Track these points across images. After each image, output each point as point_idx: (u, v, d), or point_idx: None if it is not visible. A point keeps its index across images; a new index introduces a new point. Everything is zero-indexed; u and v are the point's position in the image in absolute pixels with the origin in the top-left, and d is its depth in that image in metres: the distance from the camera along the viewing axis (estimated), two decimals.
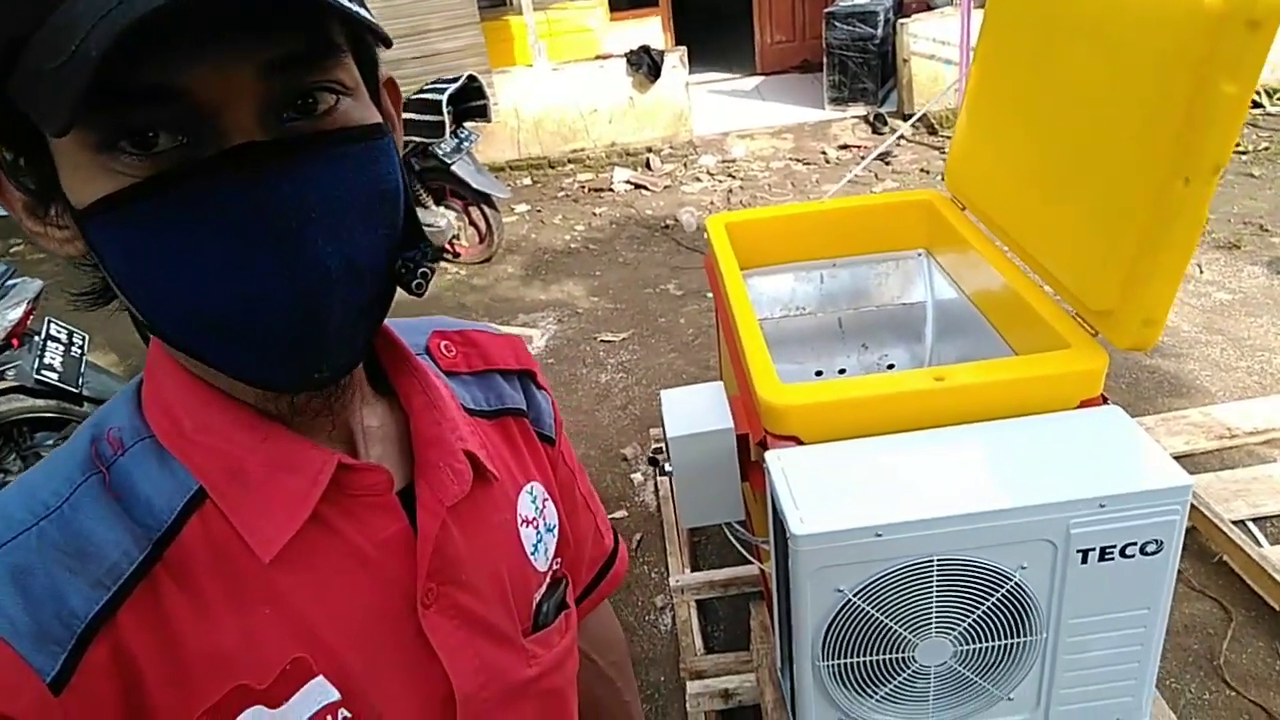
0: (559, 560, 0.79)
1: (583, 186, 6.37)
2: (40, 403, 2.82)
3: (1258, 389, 3.26)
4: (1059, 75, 1.82)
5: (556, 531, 0.79)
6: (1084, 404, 1.61)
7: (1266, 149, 5.57)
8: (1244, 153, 5.47)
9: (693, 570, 2.61)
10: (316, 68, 0.53)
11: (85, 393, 2.86)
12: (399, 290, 0.62)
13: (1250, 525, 2.54)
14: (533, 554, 0.75)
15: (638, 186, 6.24)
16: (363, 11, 0.52)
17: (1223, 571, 2.43)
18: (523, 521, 0.74)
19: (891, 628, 1.44)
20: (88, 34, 0.44)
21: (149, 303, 0.53)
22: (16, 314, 2.74)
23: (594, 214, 5.85)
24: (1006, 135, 2.06)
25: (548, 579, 0.77)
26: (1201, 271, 4.15)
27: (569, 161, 6.80)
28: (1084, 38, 1.73)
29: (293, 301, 0.52)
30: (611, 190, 6.23)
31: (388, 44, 0.55)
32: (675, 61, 6.67)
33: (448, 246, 5.09)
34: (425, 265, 0.62)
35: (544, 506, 0.78)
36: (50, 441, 2.99)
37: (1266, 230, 4.56)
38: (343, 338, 0.56)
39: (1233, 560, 2.42)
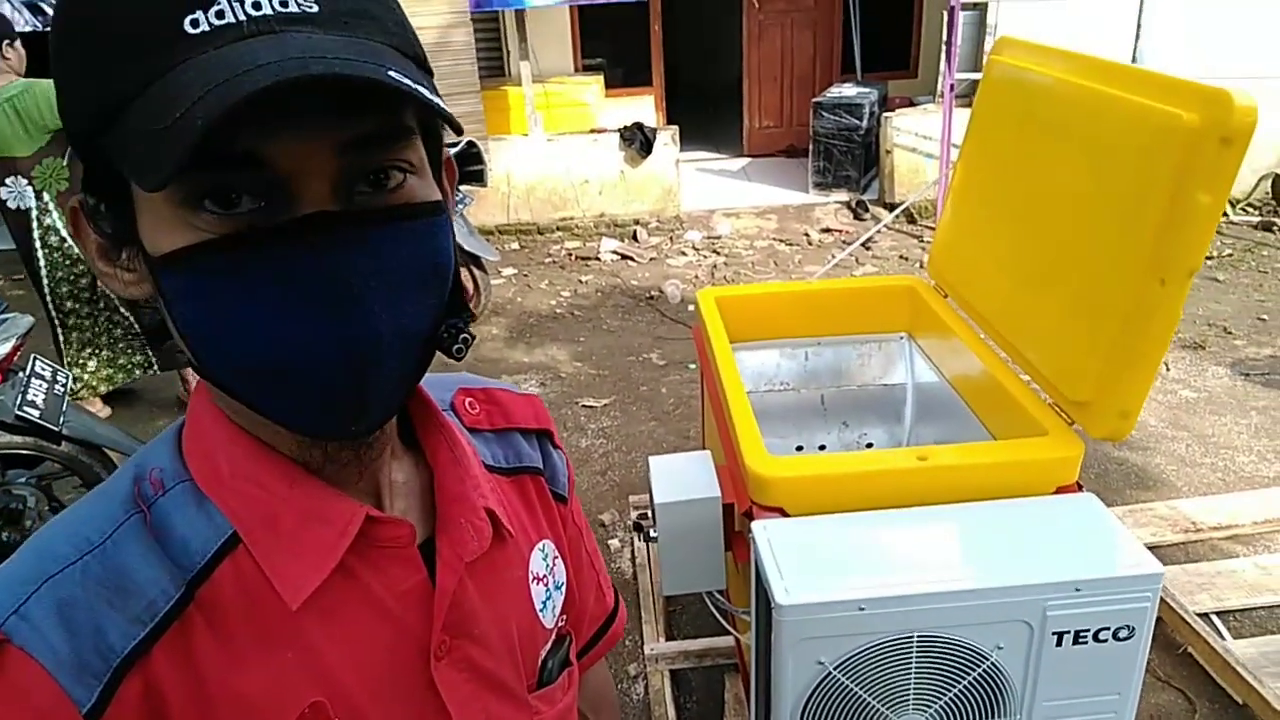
0: (564, 617, 0.81)
1: (570, 254, 6.47)
2: (17, 439, 2.80)
3: (1221, 485, 3.34)
4: (1042, 173, 1.92)
5: (564, 589, 0.81)
6: (1060, 490, 1.66)
7: (1230, 255, 5.78)
8: (1210, 258, 5.68)
9: (667, 639, 2.60)
10: (389, 148, 0.56)
11: (65, 432, 2.83)
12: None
13: (1214, 619, 2.58)
14: (541, 611, 0.77)
15: (624, 257, 6.34)
16: (437, 100, 0.54)
17: (1187, 663, 2.46)
18: (534, 578, 0.76)
19: (870, 703, 1.46)
20: (194, 103, 0.47)
21: (210, 348, 0.56)
22: (4, 349, 2.73)
23: (580, 281, 5.93)
24: (989, 228, 2.15)
25: (553, 636, 0.79)
26: (1169, 369, 4.28)
27: (558, 229, 6.90)
28: (1067, 140, 1.83)
29: (345, 361, 0.55)
30: (598, 259, 6.33)
31: (458, 131, 0.57)
32: (667, 139, 6.85)
33: None
34: (466, 332, 0.65)
35: (554, 564, 0.80)
36: (23, 479, 2.95)
37: (1230, 333, 4.71)
38: (383, 396, 0.59)
39: (1197, 652, 2.45)
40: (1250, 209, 6.56)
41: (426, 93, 0.53)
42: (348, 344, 0.54)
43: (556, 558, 0.81)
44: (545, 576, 0.78)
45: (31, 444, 2.84)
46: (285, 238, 0.53)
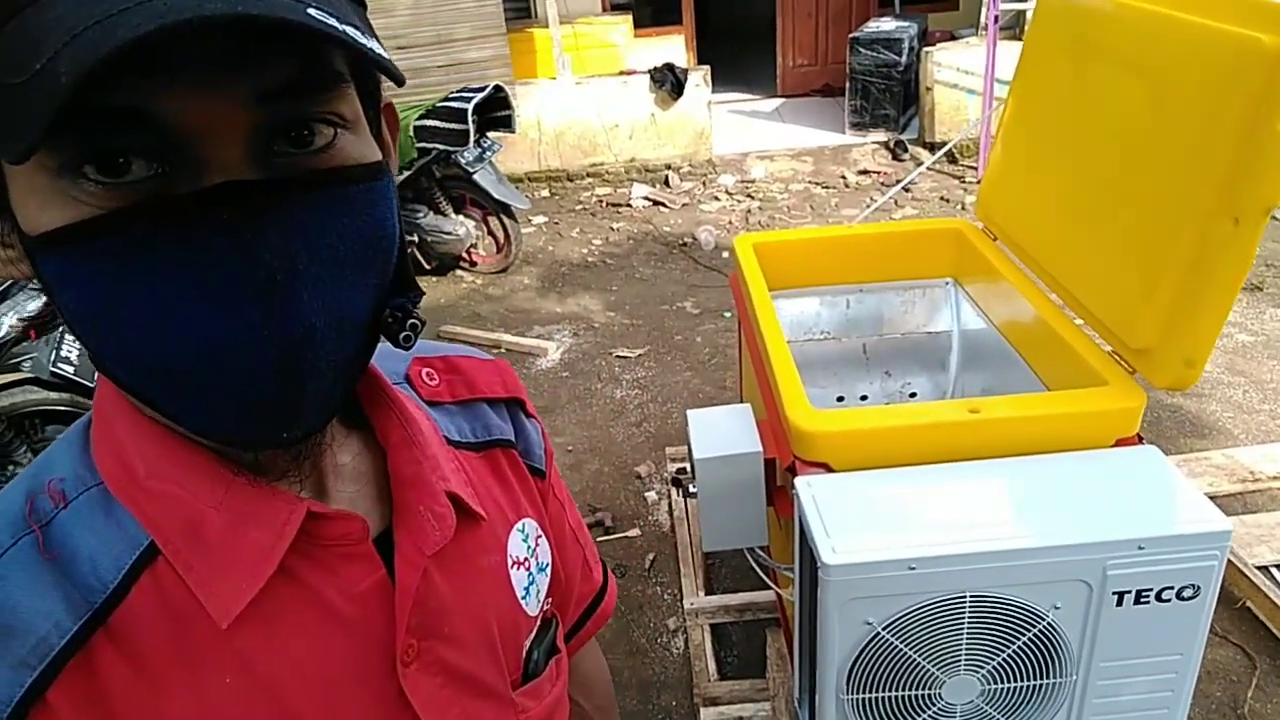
0: (550, 601, 0.75)
1: (601, 201, 6.37)
2: (54, 395, 2.81)
3: None
4: (1100, 106, 1.80)
5: (549, 571, 0.74)
6: (1120, 442, 1.59)
7: None
8: None
9: (707, 594, 2.58)
10: (314, 98, 0.48)
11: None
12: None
13: (1274, 571, 2.50)
14: (524, 598, 0.69)
15: (656, 203, 6.23)
16: (370, 44, 0.46)
17: (1246, 618, 2.39)
18: (513, 563, 0.69)
19: (920, 663, 1.41)
20: (58, 51, 0.39)
21: (101, 345, 0.48)
22: (36, 305, 2.73)
23: (612, 229, 5.84)
24: (1043, 166, 2.05)
25: (538, 622, 0.72)
26: None
27: (588, 175, 6.80)
28: (1127, 70, 1.71)
29: (270, 361, 0.47)
30: (630, 206, 6.23)
31: (399, 82, 0.49)
32: (699, 80, 6.68)
33: (465, 255, 5.08)
34: (415, 316, 0.57)
35: (536, 545, 0.72)
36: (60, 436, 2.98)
37: None
38: (319, 397, 0.51)
39: (1257, 607, 2.38)
40: None
41: (357, 35, 0.45)
42: (273, 339, 0.46)
43: (540, 537, 0.73)
44: (526, 559, 0.71)
45: (68, 400, 2.85)
46: (188, 213, 0.44)
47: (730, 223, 5.76)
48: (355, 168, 0.50)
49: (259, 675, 0.53)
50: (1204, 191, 1.46)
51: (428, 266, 5.05)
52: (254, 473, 0.55)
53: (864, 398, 2.54)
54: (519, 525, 0.71)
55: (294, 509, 0.54)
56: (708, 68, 6.81)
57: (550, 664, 0.72)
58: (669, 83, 6.58)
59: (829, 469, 1.57)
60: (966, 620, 1.38)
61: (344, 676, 0.56)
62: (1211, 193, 1.45)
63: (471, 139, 4.46)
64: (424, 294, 0.60)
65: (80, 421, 0.58)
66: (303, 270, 0.46)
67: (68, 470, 0.54)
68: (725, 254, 5.21)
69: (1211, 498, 2.76)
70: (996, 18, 5.75)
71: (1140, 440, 1.60)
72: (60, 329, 2.80)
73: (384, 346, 0.63)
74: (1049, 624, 1.39)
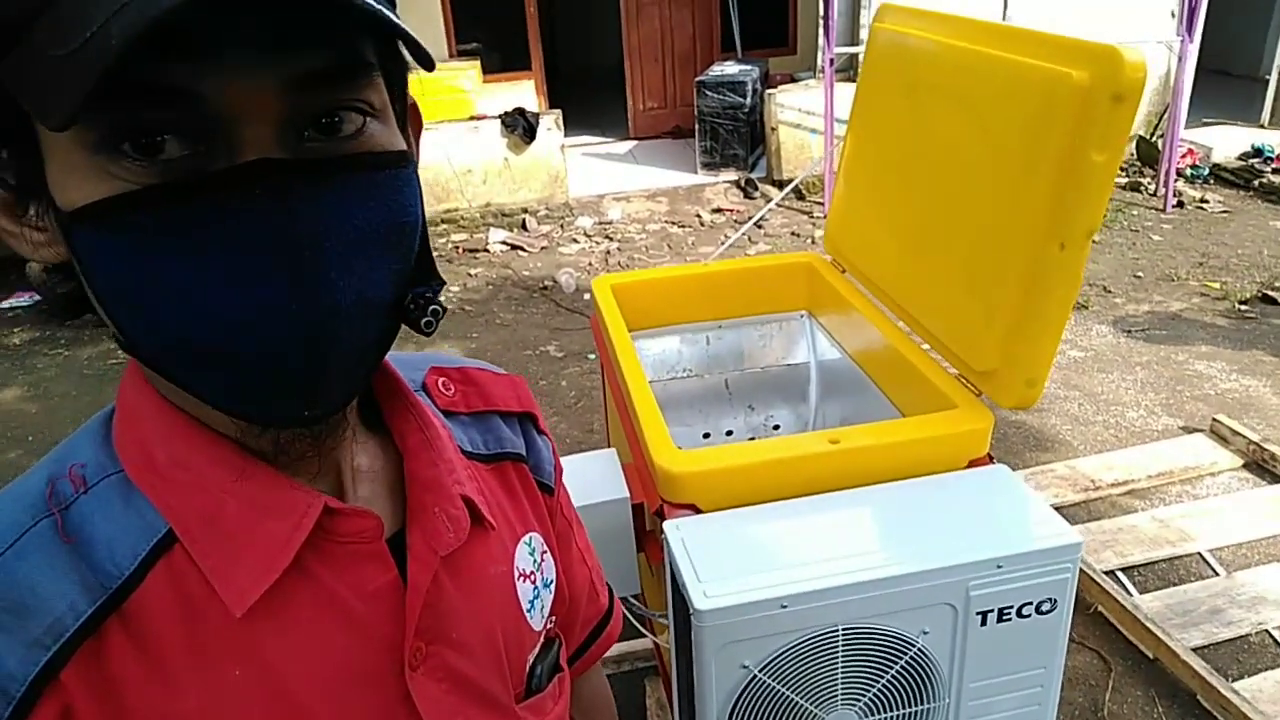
0: (554, 619, 0.74)
1: (457, 247, 6.26)
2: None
3: (1114, 441, 3.43)
4: (931, 142, 1.88)
5: (553, 588, 0.74)
6: (972, 463, 1.63)
7: (1105, 216, 6.00)
8: None
9: None
10: (345, 86, 0.49)
11: None
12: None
13: (1120, 575, 2.64)
14: (529, 611, 0.69)
15: (514, 247, 6.18)
16: (404, 25, 0.48)
17: (1098, 622, 2.50)
18: (520, 575, 0.69)
19: (798, 703, 1.39)
20: (107, 21, 0.40)
21: (133, 320, 0.48)
22: None
23: (469, 274, 5.75)
24: (883, 199, 2.12)
25: (541, 639, 0.72)
26: None
27: (443, 221, 6.68)
28: (956, 105, 1.79)
29: (298, 335, 0.48)
30: (487, 251, 6.15)
31: (429, 66, 0.50)
32: (550, 124, 6.70)
33: None
34: (437, 303, 0.58)
35: (542, 560, 0.72)
36: None
37: (1109, 291, 4.89)
38: (342, 375, 0.52)
39: (1107, 611, 2.50)
40: (1119, 171, 6.83)
41: (392, 16, 0.47)
42: (302, 315, 0.47)
43: (545, 552, 0.73)
44: (532, 573, 0.71)
45: None
46: (224, 188, 0.45)
47: (590, 264, 5.77)
48: (383, 154, 0.52)
49: (268, 669, 0.53)
50: (1032, 219, 1.53)
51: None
52: (274, 463, 0.55)
53: (729, 433, 2.55)
54: (526, 539, 0.71)
55: (312, 502, 0.55)
56: (559, 112, 6.85)
57: (553, 682, 0.72)
58: (520, 127, 6.57)
59: (697, 510, 1.54)
60: (841, 654, 1.37)
61: (351, 675, 0.56)
62: (1039, 220, 1.52)
63: None
64: (445, 282, 0.60)
65: (104, 410, 0.58)
66: (330, 249, 0.48)
67: (89, 456, 0.55)
68: (587, 295, 5.19)
69: (1058, 508, 2.92)
70: (832, 60, 6.03)
71: (991, 459, 1.65)
72: None
73: (401, 355, 0.67)
74: (919, 649, 1.40)
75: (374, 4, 0.45)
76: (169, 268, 0.46)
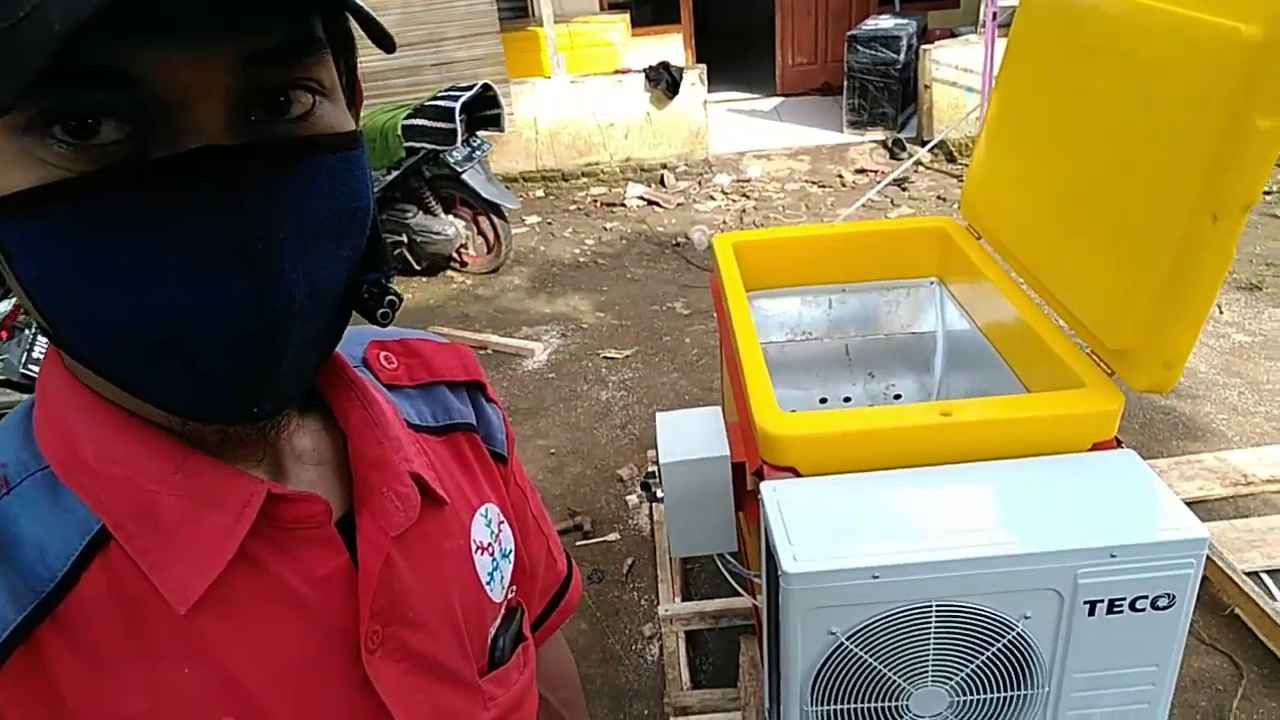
0: (514, 589, 0.73)
1: (595, 201, 6.33)
2: (26, 397, 2.77)
3: (1276, 435, 3.17)
4: (1084, 104, 1.76)
5: (512, 558, 0.72)
6: (1097, 446, 1.54)
7: (1270, 188, 5.48)
8: (1269, 192, 5.40)
9: (684, 599, 2.53)
10: (296, 64, 0.47)
11: None
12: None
13: (1265, 577, 2.45)
14: (488, 584, 0.68)
15: (650, 203, 6.19)
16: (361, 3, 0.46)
17: (1235, 625, 2.34)
18: (477, 548, 0.67)
19: (885, 674, 1.37)
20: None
21: (63, 313, 0.46)
22: (6, 307, 2.69)
23: (605, 229, 5.80)
24: (1027, 164, 2.00)
25: (503, 610, 0.70)
26: (1221, 312, 4.07)
27: (583, 175, 6.76)
28: (1113, 66, 1.66)
29: (254, 333, 0.46)
30: (624, 205, 6.18)
31: (389, 48, 0.48)
32: (694, 79, 6.64)
33: (455, 255, 5.04)
34: (392, 292, 0.56)
35: (499, 531, 0.71)
36: None
37: None
38: (293, 370, 0.50)
39: (1245, 614, 2.33)
40: None
41: None
42: (254, 311, 0.45)
43: (502, 523, 0.72)
44: (490, 545, 0.69)
45: None
46: (166, 178, 0.43)
47: (725, 222, 5.72)
48: (333, 136, 0.50)
49: (219, 664, 0.51)
50: (1185, 189, 1.42)
51: (417, 267, 5.01)
52: (212, 452, 0.53)
53: (847, 399, 2.49)
54: (481, 510, 0.69)
55: (254, 490, 0.52)
56: (704, 66, 6.77)
57: (517, 652, 0.71)
58: (664, 81, 6.53)
59: (797, 473, 1.52)
60: (933, 630, 1.34)
61: (307, 664, 0.54)
62: (1192, 190, 1.40)
63: (460, 138, 4.42)
64: (396, 269, 0.60)
65: (21, 406, 0.56)
66: (284, 240, 0.46)
67: (9, 455, 0.52)
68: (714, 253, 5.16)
69: (1203, 501, 2.74)
70: (995, 14, 5.70)
71: (1119, 444, 1.55)
72: (33, 330, 2.77)
73: None
74: (1019, 634, 1.35)
75: None
76: (107, 263, 0.43)
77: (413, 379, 0.70)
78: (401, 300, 0.58)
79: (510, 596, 0.72)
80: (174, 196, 0.43)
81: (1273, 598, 2.36)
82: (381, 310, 0.56)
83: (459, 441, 0.70)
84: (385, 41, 0.49)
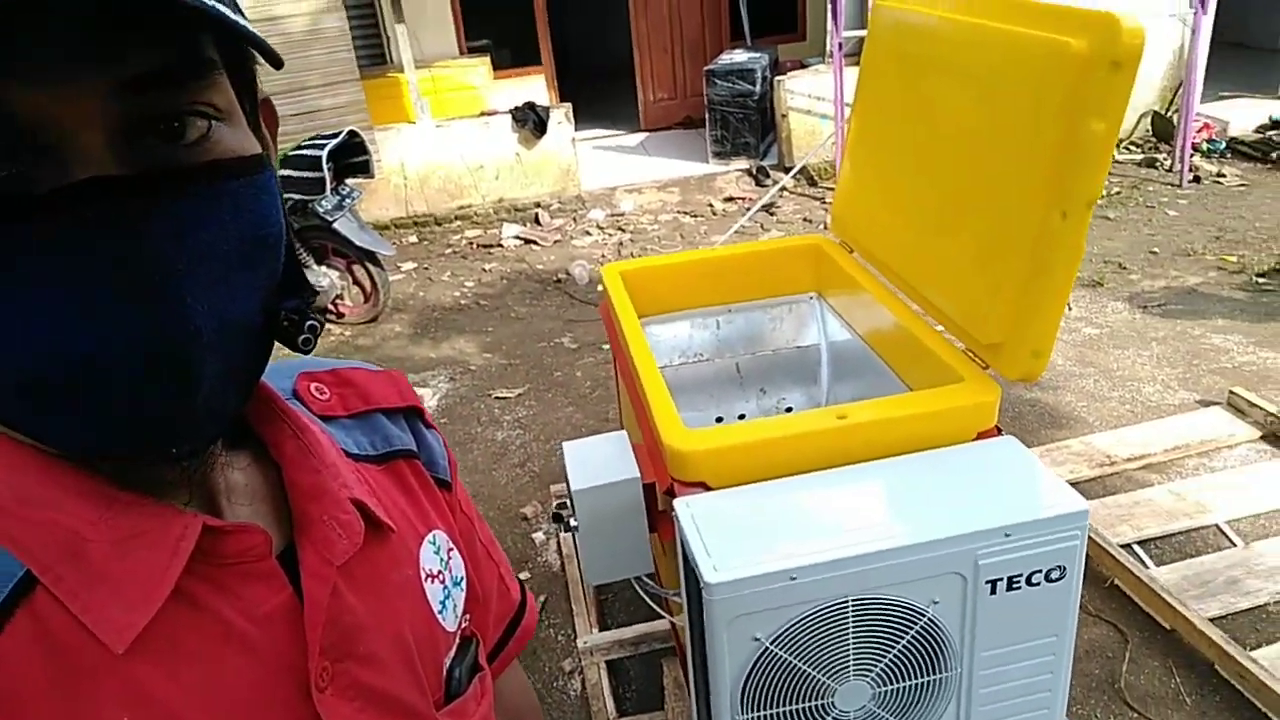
0: (468, 617, 0.71)
1: (471, 243, 6.29)
2: None
3: (1130, 417, 3.42)
4: (934, 119, 1.88)
5: (464, 586, 0.70)
6: (980, 435, 1.64)
7: (1118, 193, 5.96)
8: (1100, 197, 5.83)
9: (600, 630, 2.53)
10: (184, 88, 0.45)
11: None
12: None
13: (1136, 548, 2.63)
14: (440, 613, 0.66)
15: (528, 241, 6.21)
16: (243, 22, 0.45)
17: (1115, 595, 2.50)
18: (427, 576, 0.65)
19: (810, 674, 1.41)
20: None
21: None
22: None
23: (484, 270, 5.77)
24: (889, 179, 2.12)
25: (457, 640, 0.68)
26: (1071, 309, 4.37)
27: (456, 218, 6.71)
28: (957, 80, 1.79)
29: (154, 371, 0.43)
30: (501, 246, 6.17)
31: (277, 65, 0.47)
32: (560, 117, 6.72)
33: (331, 306, 4.92)
34: (313, 317, 0.55)
35: (449, 558, 0.69)
36: None
37: (1125, 268, 4.85)
38: (210, 408, 0.48)
39: (1123, 583, 2.49)
40: (1133, 147, 6.78)
41: (227, 11, 0.43)
42: (154, 348, 0.43)
43: (451, 549, 0.70)
44: (440, 573, 0.67)
45: None
46: (49, 213, 0.41)
47: (603, 256, 5.78)
48: (233, 161, 0.47)
49: (160, 711, 0.48)
50: (1034, 190, 1.54)
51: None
52: (139, 490, 0.50)
53: (741, 416, 2.56)
54: (429, 537, 0.67)
55: (188, 524, 0.50)
56: (569, 105, 6.86)
57: (474, 683, 0.68)
58: (531, 121, 6.59)
59: (707, 487, 1.56)
60: (851, 624, 1.39)
61: (254, 706, 0.51)
62: (1040, 190, 1.52)
63: (328, 186, 4.33)
64: (318, 294, 0.58)
65: None
66: (183, 272, 0.43)
67: None
68: (601, 287, 5.21)
69: (1072, 484, 2.91)
70: (840, 44, 6.01)
71: (999, 432, 1.65)
72: None
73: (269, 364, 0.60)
74: (930, 619, 1.41)
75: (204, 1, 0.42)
76: None
77: (347, 409, 0.68)
78: (324, 325, 0.57)
79: (464, 625, 0.70)
80: (61, 231, 0.41)
81: (1145, 566, 2.54)
82: (303, 337, 0.54)
83: (401, 469, 0.68)
84: (272, 58, 0.48)
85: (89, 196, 0.41)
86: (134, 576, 0.48)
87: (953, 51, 1.81)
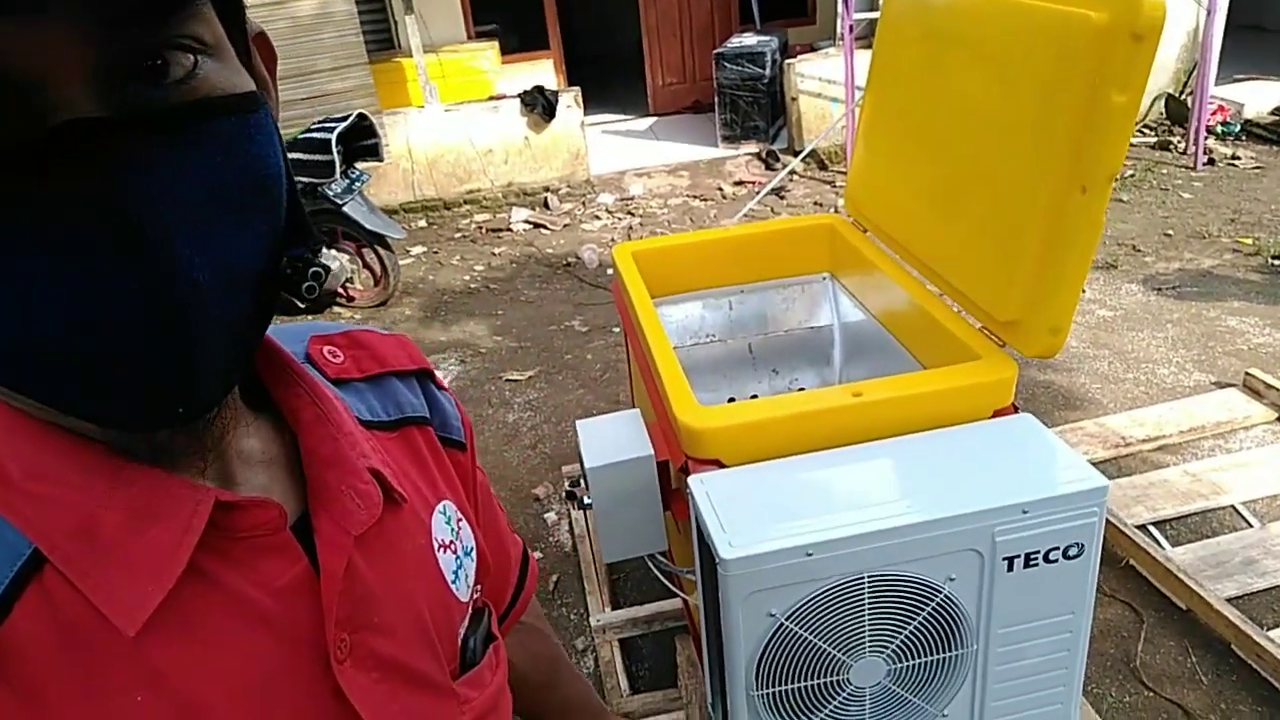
0: (479, 588, 0.70)
1: (480, 227, 6.29)
2: None
3: (1145, 398, 3.40)
4: (950, 93, 1.86)
5: (475, 555, 0.69)
6: (997, 413, 1.63)
7: (1132, 175, 5.91)
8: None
9: (613, 608, 2.53)
10: (166, 21, 0.42)
11: None
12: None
13: (1152, 529, 2.62)
14: (453, 583, 0.65)
15: (537, 226, 6.19)
16: None
17: (1131, 575, 2.49)
18: (439, 546, 0.64)
19: (825, 650, 1.41)
20: None
21: None
22: None
23: (493, 254, 5.77)
24: (903, 157, 2.10)
25: (470, 609, 0.67)
26: (1085, 291, 4.35)
27: (465, 202, 6.71)
28: (973, 56, 1.77)
29: (152, 326, 0.41)
30: (510, 230, 6.17)
31: None
32: (569, 101, 6.69)
33: (341, 291, 4.92)
34: (316, 264, 0.52)
35: (459, 528, 0.68)
36: None
37: (1139, 250, 4.82)
38: (215, 363, 0.45)
39: (1139, 564, 2.48)
40: (1147, 130, 6.72)
41: None
42: (150, 303, 0.41)
43: (461, 520, 0.68)
44: (452, 542, 0.66)
45: None
46: (29, 162, 0.38)
47: (613, 239, 5.77)
48: (224, 98, 0.44)
49: (175, 690, 0.47)
50: (1053, 165, 1.52)
51: (301, 305, 4.86)
52: (151, 461, 0.48)
53: (754, 397, 2.55)
54: (440, 507, 0.66)
55: (200, 500, 0.48)
56: (578, 89, 6.83)
57: (489, 652, 0.68)
58: (540, 105, 6.56)
59: (721, 465, 1.55)
60: (867, 601, 1.38)
61: (273, 681, 0.50)
62: (1060, 165, 1.51)
63: (338, 170, 4.33)
64: (324, 242, 0.56)
65: None
66: (175, 220, 0.41)
67: None
68: (610, 271, 5.20)
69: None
70: (851, 27, 5.96)
71: (1016, 410, 1.64)
72: None
73: (278, 327, 0.58)
74: (946, 596, 1.40)
75: None
76: None
77: (361, 371, 0.66)
78: (329, 271, 0.56)
79: (476, 596, 0.69)
80: (37, 183, 0.38)
81: (1160, 546, 2.53)
82: (307, 284, 0.52)
83: (412, 436, 0.67)
84: None
85: (66, 142, 0.38)
86: (145, 553, 0.47)
87: (968, 26, 1.78)
